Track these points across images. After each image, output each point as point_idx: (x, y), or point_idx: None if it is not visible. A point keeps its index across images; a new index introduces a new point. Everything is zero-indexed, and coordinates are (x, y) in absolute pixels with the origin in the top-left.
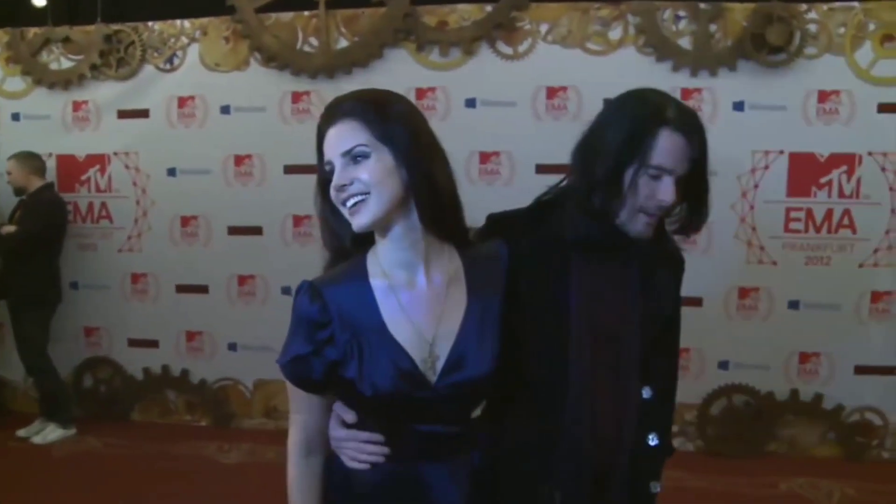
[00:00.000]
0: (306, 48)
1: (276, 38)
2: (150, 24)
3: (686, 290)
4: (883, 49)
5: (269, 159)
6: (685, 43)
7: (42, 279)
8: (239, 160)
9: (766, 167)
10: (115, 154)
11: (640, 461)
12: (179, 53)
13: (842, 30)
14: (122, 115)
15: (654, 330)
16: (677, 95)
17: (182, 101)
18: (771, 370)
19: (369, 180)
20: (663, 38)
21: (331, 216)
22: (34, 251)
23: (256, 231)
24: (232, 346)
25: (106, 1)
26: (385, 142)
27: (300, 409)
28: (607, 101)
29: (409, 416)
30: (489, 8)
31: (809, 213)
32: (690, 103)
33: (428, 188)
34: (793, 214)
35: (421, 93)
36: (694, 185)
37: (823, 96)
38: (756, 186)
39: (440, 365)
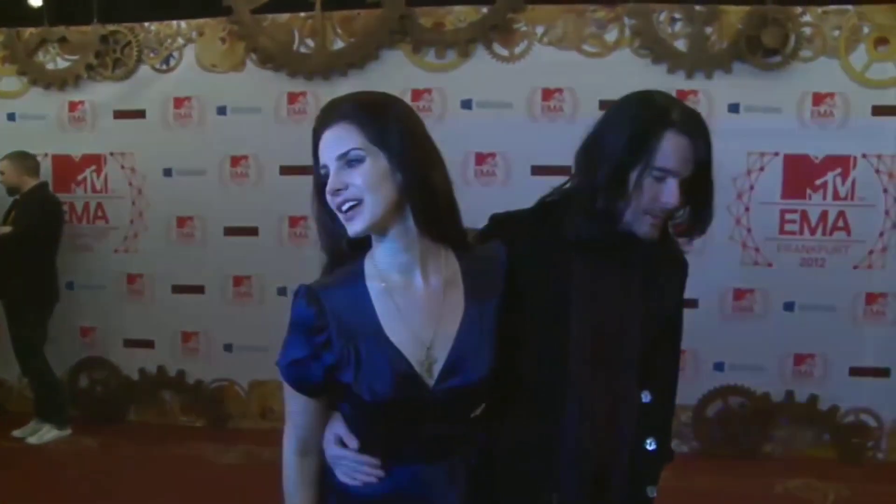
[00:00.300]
0: (302, 49)
1: (273, 40)
2: (146, 24)
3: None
4: (877, 52)
5: (265, 160)
6: (681, 45)
7: (38, 279)
8: (235, 161)
9: (762, 169)
10: (112, 154)
11: (637, 465)
12: (176, 54)
13: (836, 33)
14: (119, 115)
15: (655, 332)
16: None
17: (178, 102)
18: (766, 371)
19: (363, 185)
20: (659, 40)
21: (327, 219)
22: (30, 250)
23: (252, 232)
24: (228, 347)
25: (102, 1)
26: (380, 145)
27: (296, 410)
28: (611, 103)
29: (406, 418)
30: (485, 10)
31: (804, 214)
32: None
33: (424, 192)
34: (788, 216)
35: (417, 94)
36: (698, 187)
37: (818, 99)
38: (751, 188)
39: (437, 368)
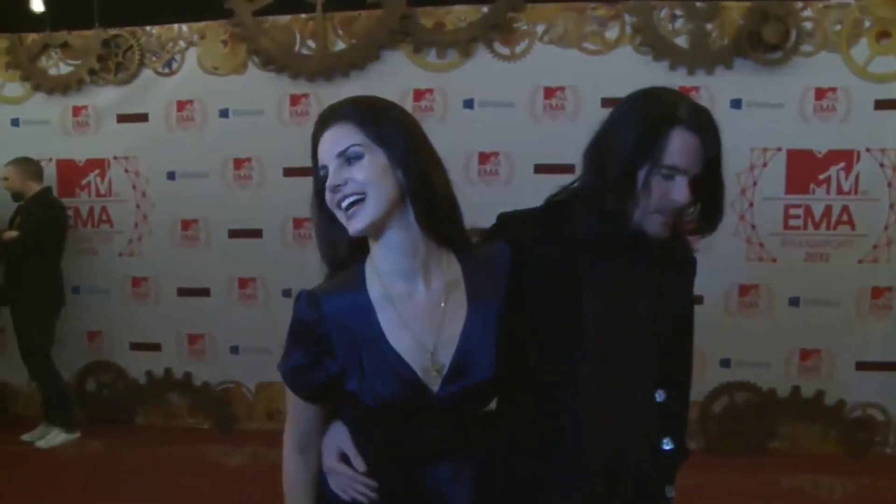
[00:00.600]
0: (304, 51)
1: (274, 41)
2: (147, 28)
3: None
4: (879, 46)
5: (268, 162)
6: (682, 42)
7: (44, 283)
8: (238, 163)
9: (765, 165)
10: (115, 158)
11: (654, 466)
12: (178, 57)
13: (838, 27)
14: (122, 119)
15: (667, 331)
16: None
17: (181, 105)
18: (772, 367)
19: (364, 180)
20: (660, 37)
21: (327, 225)
22: (35, 255)
23: (256, 234)
24: (234, 349)
25: (104, 6)
26: (379, 142)
27: (297, 412)
28: (613, 101)
29: (410, 422)
30: (486, 9)
31: (808, 209)
32: None
33: (425, 190)
34: (792, 211)
35: (419, 94)
36: (708, 185)
37: (820, 93)
38: (755, 184)
39: (443, 372)
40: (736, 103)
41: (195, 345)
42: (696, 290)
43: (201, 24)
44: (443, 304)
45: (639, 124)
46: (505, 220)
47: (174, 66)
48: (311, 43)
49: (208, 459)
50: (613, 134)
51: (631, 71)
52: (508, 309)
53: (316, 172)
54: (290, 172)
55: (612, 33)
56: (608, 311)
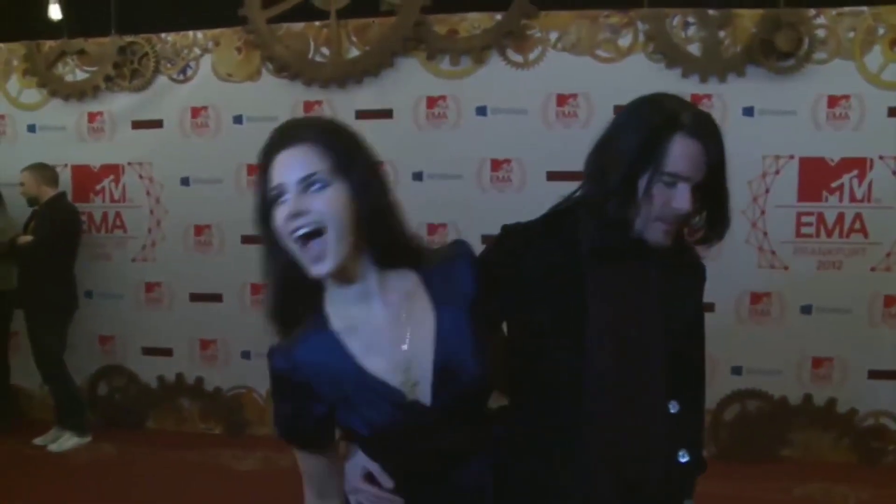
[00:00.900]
0: (317, 58)
1: (288, 48)
2: (163, 35)
3: None
4: (892, 53)
5: None
6: (694, 49)
7: (58, 287)
8: (252, 169)
9: (777, 172)
10: (129, 164)
11: (671, 479)
12: (192, 64)
13: (851, 34)
14: (136, 125)
15: (677, 340)
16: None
17: (195, 112)
18: (784, 375)
19: (326, 212)
20: (672, 44)
21: (272, 250)
22: (49, 259)
23: None
24: (246, 355)
25: (120, 13)
26: (343, 173)
27: (305, 463)
28: (621, 107)
29: (416, 439)
30: (499, 16)
31: (821, 217)
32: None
33: (383, 225)
34: (804, 219)
35: (432, 101)
36: (713, 192)
37: (833, 101)
38: (767, 191)
39: (426, 384)
40: (748, 111)
41: (207, 350)
42: (708, 298)
43: (216, 31)
44: (403, 316)
45: (640, 130)
46: (508, 231)
47: (189, 72)
48: (325, 50)
49: (219, 464)
50: (615, 140)
51: (643, 78)
52: (513, 319)
53: (262, 191)
54: None
55: (624, 41)
56: (613, 318)
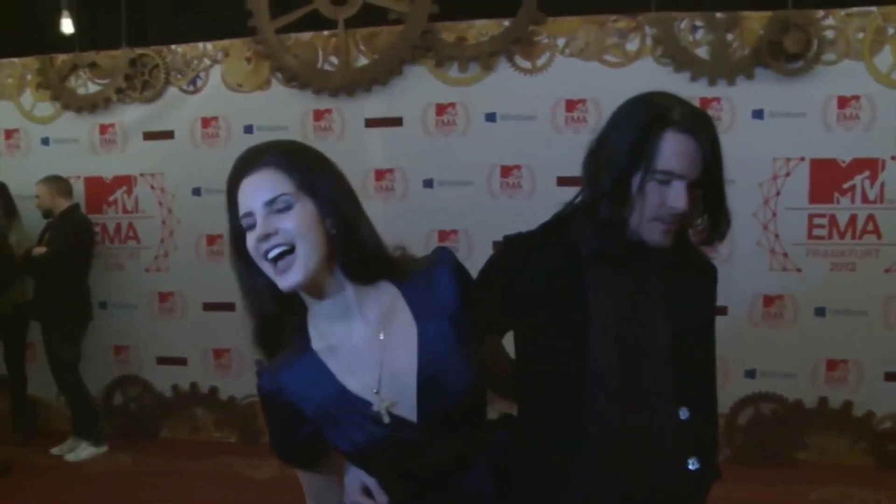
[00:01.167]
0: (326, 67)
1: (297, 58)
2: (173, 47)
3: None
4: None
5: None
6: (703, 53)
7: (72, 298)
8: None
9: (788, 174)
10: (142, 175)
11: (680, 487)
12: (202, 75)
13: (860, 35)
14: (148, 136)
15: (687, 344)
16: (696, 105)
17: (206, 122)
18: (798, 378)
19: (294, 230)
20: (681, 48)
21: (249, 274)
22: (64, 270)
23: None
24: (260, 363)
25: (130, 26)
26: (308, 191)
27: (305, 480)
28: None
29: (405, 456)
30: (507, 23)
31: (833, 219)
32: (709, 112)
33: (353, 240)
34: (816, 221)
35: (441, 108)
36: (711, 190)
37: (843, 102)
38: (778, 194)
39: (411, 399)
40: (758, 113)
41: (221, 359)
42: (720, 301)
43: (225, 42)
44: (381, 336)
45: (631, 129)
46: (510, 241)
47: (199, 83)
48: (334, 59)
49: (235, 472)
50: (607, 141)
51: (652, 82)
52: (518, 327)
53: (233, 219)
54: None
55: (632, 45)
56: (615, 320)
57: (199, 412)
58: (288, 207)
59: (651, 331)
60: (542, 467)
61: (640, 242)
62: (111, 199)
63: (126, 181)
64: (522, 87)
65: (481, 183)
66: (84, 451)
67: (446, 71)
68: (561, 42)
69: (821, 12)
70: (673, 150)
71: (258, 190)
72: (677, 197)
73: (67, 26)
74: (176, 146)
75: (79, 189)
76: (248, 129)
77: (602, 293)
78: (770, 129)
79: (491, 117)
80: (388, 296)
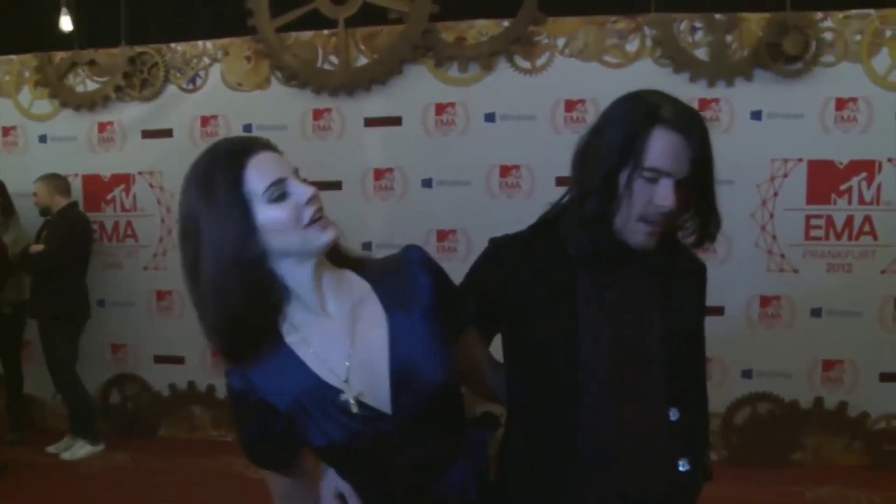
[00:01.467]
0: (326, 66)
1: (297, 57)
2: (172, 45)
3: (707, 299)
4: None
5: None
6: (702, 54)
7: (70, 295)
8: None
9: (786, 175)
10: (140, 173)
11: (671, 489)
12: (202, 74)
13: (858, 37)
14: (146, 134)
15: (678, 345)
16: (695, 105)
17: (205, 121)
18: (794, 378)
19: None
20: (680, 49)
21: (249, 272)
22: (61, 268)
23: None
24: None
25: (130, 24)
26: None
27: (274, 484)
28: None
29: (382, 452)
30: (506, 23)
31: (830, 220)
32: (708, 113)
33: None
34: (813, 222)
35: (440, 108)
36: (700, 189)
37: (841, 104)
38: (775, 195)
39: (384, 391)
40: (756, 115)
41: (218, 358)
42: (717, 301)
43: (225, 41)
44: (353, 325)
45: (620, 126)
46: (496, 243)
47: (198, 82)
48: (334, 58)
49: (232, 471)
50: (596, 138)
51: (651, 83)
52: (507, 331)
53: (245, 211)
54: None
55: (632, 46)
56: (606, 323)
57: (196, 411)
58: (304, 180)
59: (642, 332)
60: (534, 468)
61: (623, 244)
62: (109, 197)
63: (124, 179)
64: (522, 88)
65: (480, 183)
66: (81, 450)
67: (446, 71)
68: (561, 42)
69: (819, 14)
70: (661, 147)
71: (280, 161)
72: (665, 195)
73: (67, 24)
74: (175, 145)
75: (77, 187)
76: (248, 128)
77: (592, 294)
78: (768, 131)
79: (490, 117)
80: (359, 288)
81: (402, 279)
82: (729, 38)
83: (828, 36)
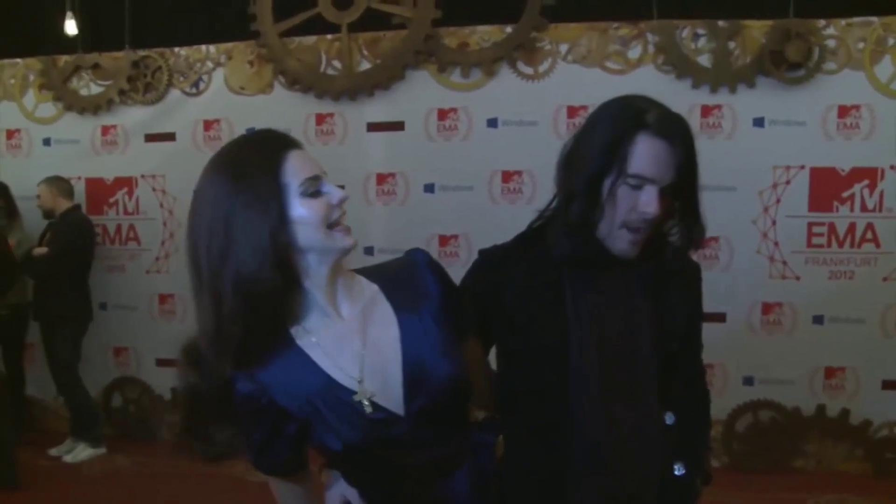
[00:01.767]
0: (329, 71)
1: (300, 62)
2: (176, 49)
3: (709, 305)
4: None
5: None
6: (704, 60)
7: (72, 298)
8: None
9: (788, 182)
10: (143, 177)
11: (667, 494)
12: (205, 78)
13: (861, 44)
14: (150, 138)
15: (671, 348)
16: (697, 112)
17: (208, 125)
18: (796, 385)
19: None
20: (682, 56)
21: (277, 268)
22: (64, 271)
23: None
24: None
25: (133, 28)
26: None
27: (279, 492)
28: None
29: (393, 453)
30: (509, 29)
31: (832, 227)
32: (710, 120)
33: None
34: (815, 229)
35: (442, 113)
36: (684, 196)
37: (843, 111)
38: (778, 202)
39: (397, 392)
40: (759, 121)
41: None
42: (719, 308)
43: (228, 45)
44: (364, 327)
45: (605, 131)
46: (486, 255)
47: (201, 86)
48: (337, 63)
49: (233, 475)
50: (581, 142)
51: (653, 90)
52: (500, 340)
53: (280, 202)
54: None
55: (634, 52)
56: (595, 328)
57: None
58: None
59: (634, 335)
60: (528, 472)
61: (607, 251)
62: (112, 200)
63: (127, 183)
64: (524, 93)
65: (482, 188)
66: (82, 453)
67: (448, 76)
68: (563, 48)
69: (822, 22)
70: (646, 153)
71: (314, 161)
72: (648, 202)
73: (71, 27)
74: (177, 148)
75: (80, 190)
76: (251, 133)
77: (581, 299)
78: (771, 138)
79: (493, 123)
80: (369, 290)
81: (409, 281)
82: (731, 44)
83: (831, 43)
